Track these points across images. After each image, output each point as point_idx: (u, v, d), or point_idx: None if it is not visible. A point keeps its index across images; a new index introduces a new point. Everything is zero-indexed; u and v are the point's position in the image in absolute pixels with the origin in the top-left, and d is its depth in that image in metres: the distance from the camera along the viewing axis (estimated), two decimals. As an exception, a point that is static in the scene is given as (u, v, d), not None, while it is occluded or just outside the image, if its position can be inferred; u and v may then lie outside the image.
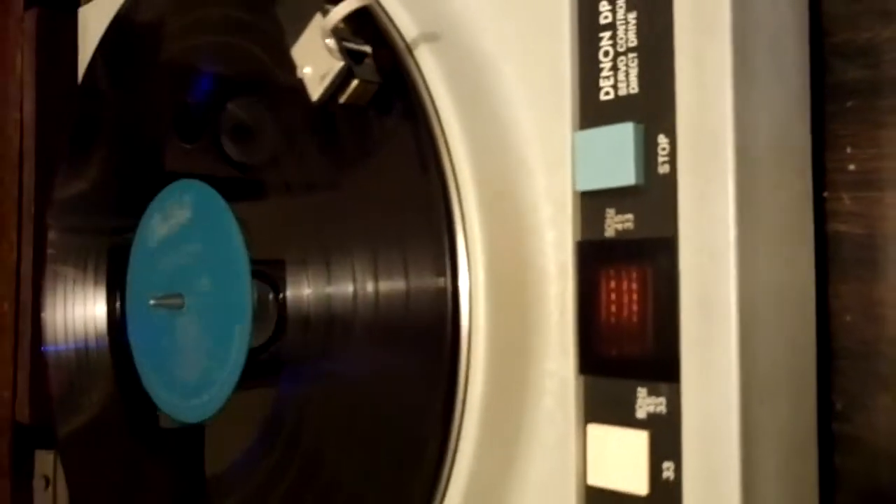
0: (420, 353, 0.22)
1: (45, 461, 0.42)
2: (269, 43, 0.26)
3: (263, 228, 0.27)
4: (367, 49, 0.22)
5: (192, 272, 0.29)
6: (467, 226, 0.22)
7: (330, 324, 0.24)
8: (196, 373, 0.29)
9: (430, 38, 0.23)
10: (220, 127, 0.28)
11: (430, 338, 0.22)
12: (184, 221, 0.30)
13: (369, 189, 0.24)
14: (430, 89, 0.23)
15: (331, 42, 0.21)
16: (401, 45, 0.23)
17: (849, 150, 0.23)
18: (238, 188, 0.28)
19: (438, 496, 0.22)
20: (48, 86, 0.49)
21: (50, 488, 0.40)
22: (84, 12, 0.42)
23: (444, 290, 0.22)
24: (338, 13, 0.20)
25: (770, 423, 0.20)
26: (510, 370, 0.22)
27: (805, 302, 0.22)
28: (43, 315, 0.38)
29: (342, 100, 0.22)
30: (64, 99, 0.49)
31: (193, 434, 0.29)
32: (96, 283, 0.35)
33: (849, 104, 0.23)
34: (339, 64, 0.22)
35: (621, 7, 0.22)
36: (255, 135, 0.28)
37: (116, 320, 0.34)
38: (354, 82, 0.22)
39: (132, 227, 0.33)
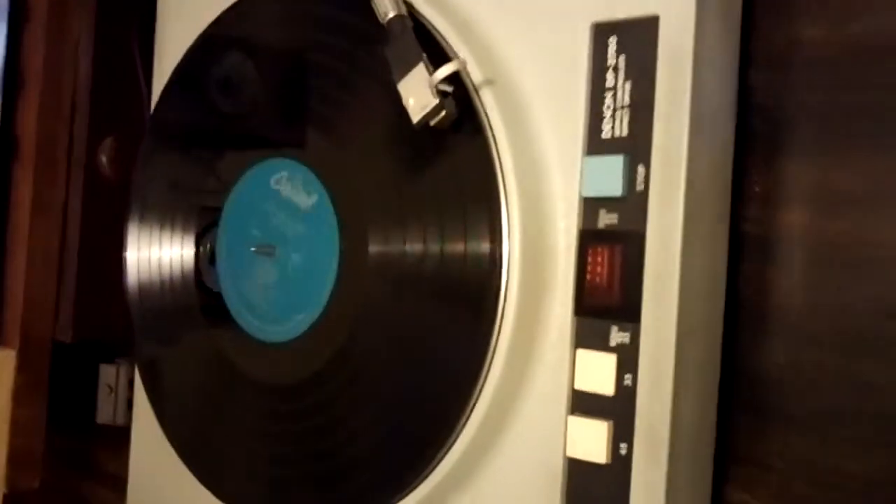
0: (471, 294, 0.36)
1: (108, 372, 0.54)
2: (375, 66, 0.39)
3: (351, 201, 0.40)
4: (450, 89, 0.36)
5: (285, 228, 0.42)
6: (510, 212, 0.35)
7: (402, 273, 0.38)
8: (280, 305, 0.42)
9: (490, 83, 0.36)
10: (325, 122, 0.41)
11: (480, 283, 0.36)
12: (281, 189, 0.43)
13: (442, 181, 0.37)
14: (490, 118, 0.36)
15: (432, 86, 0.35)
16: (471, 87, 0.36)
17: (755, 177, 0.37)
18: (333, 170, 0.41)
19: (474, 398, 0.36)
20: (105, 50, 0.60)
21: (112, 394, 0.52)
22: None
23: (492, 252, 0.35)
24: (443, 71, 0.34)
25: (692, 351, 0.34)
26: (531, 310, 0.36)
27: (720, 276, 0.36)
28: (125, 254, 0.50)
29: (432, 123, 0.36)
30: (118, 63, 0.60)
31: (270, 351, 0.43)
32: (184, 231, 0.47)
33: (756, 146, 0.37)
34: (435, 101, 0.35)
35: (620, 77, 0.35)
36: (352, 129, 0.41)
37: (203, 260, 0.46)
38: (443, 113, 0.35)
39: (220, 190, 0.45)
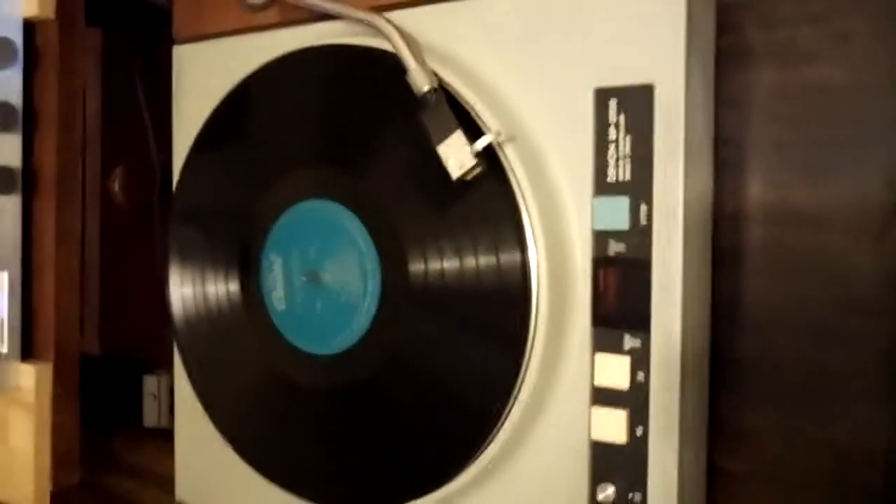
0: (507, 311, 0.40)
1: (151, 382, 0.55)
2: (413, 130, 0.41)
3: (389, 229, 0.43)
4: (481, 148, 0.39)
5: (329, 257, 0.45)
6: (537, 245, 0.39)
7: (443, 296, 0.41)
8: (328, 323, 0.45)
9: (512, 139, 0.40)
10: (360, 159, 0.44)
11: (514, 303, 0.39)
12: (318, 225, 0.45)
13: (475, 222, 0.40)
14: (514, 168, 0.40)
15: (471, 150, 0.38)
16: (496, 143, 0.39)
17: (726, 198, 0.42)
18: (371, 209, 0.44)
19: (514, 396, 0.40)
20: (111, 89, 0.60)
21: (156, 401, 0.53)
22: (180, 51, 0.53)
23: (524, 277, 0.39)
24: (482, 142, 0.37)
25: (691, 347, 0.39)
26: (557, 323, 0.40)
27: (707, 283, 0.41)
28: (169, 291, 0.51)
29: (468, 177, 0.39)
30: (123, 99, 0.60)
31: (320, 362, 0.45)
32: (228, 265, 0.49)
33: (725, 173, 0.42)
34: (474, 162, 0.38)
35: (621, 132, 0.39)
36: (391, 166, 0.43)
37: (249, 284, 0.48)
38: (477, 170, 0.39)
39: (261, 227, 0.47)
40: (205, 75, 0.52)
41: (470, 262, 0.41)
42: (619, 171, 0.39)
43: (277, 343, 0.47)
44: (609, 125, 0.39)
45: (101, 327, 0.59)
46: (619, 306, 0.39)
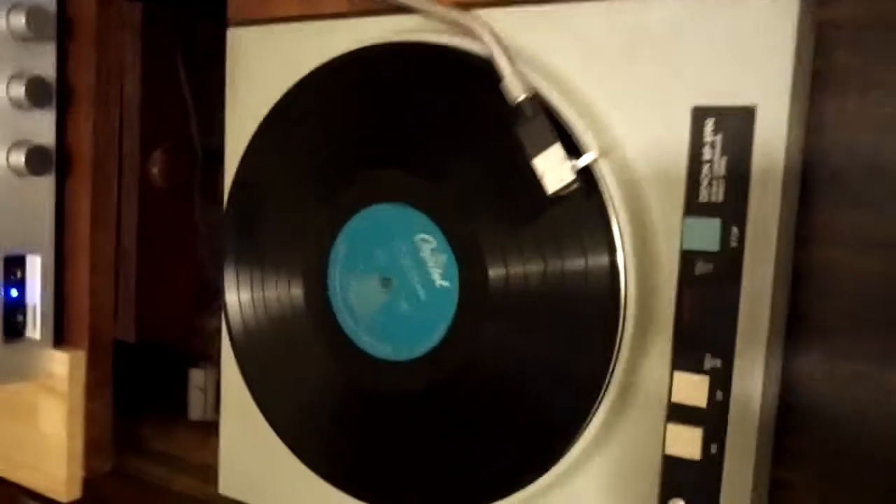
0: (596, 324, 0.40)
1: (197, 375, 0.54)
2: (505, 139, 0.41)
3: (469, 238, 0.42)
4: (584, 165, 0.38)
5: (401, 261, 0.44)
6: (626, 260, 0.39)
7: (528, 294, 0.41)
8: (402, 328, 0.44)
9: (605, 154, 0.39)
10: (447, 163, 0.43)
11: (603, 315, 0.39)
12: (391, 229, 0.44)
13: (563, 232, 0.40)
14: (607, 183, 0.39)
15: (572, 166, 0.37)
16: (593, 165, 0.39)
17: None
18: (445, 212, 0.43)
19: (596, 407, 0.40)
20: (151, 67, 0.58)
21: (203, 395, 0.52)
22: (235, 34, 0.51)
23: (614, 290, 0.39)
24: (586, 159, 0.37)
25: (771, 372, 0.39)
26: (639, 339, 0.40)
27: (785, 308, 0.41)
28: (226, 297, 0.50)
29: (563, 193, 0.38)
30: (164, 77, 0.58)
31: (392, 367, 0.45)
32: (292, 268, 0.48)
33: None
34: (573, 177, 0.38)
35: (717, 152, 0.39)
36: (467, 181, 0.42)
37: (314, 287, 0.47)
38: (575, 185, 0.38)
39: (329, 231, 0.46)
40: (264, 61, 0.50)
41: (557, 271, 0.40)
42: (712, 191, 0.39)
43: (345, 348, 0.46)
44: (704, 145, 0.39)
45: (137, 314, 0.58)
46: (703, 326, 0.40)
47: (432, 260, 0.43)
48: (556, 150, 0.38)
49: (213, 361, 0.56)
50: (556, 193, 0.38)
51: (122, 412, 0.63)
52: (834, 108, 0.41)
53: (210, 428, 0.60)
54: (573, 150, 0.39)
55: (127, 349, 0.59)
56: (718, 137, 0.39)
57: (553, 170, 0.38)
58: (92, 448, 0.58)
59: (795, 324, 0.43)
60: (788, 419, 0.43)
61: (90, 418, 0.58)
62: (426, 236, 0.43)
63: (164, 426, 0.62)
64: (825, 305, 0.42)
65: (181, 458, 0.62)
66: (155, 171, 0.58)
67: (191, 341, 0.60)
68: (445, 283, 0.43)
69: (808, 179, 0.42)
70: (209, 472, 0.61)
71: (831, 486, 0.42)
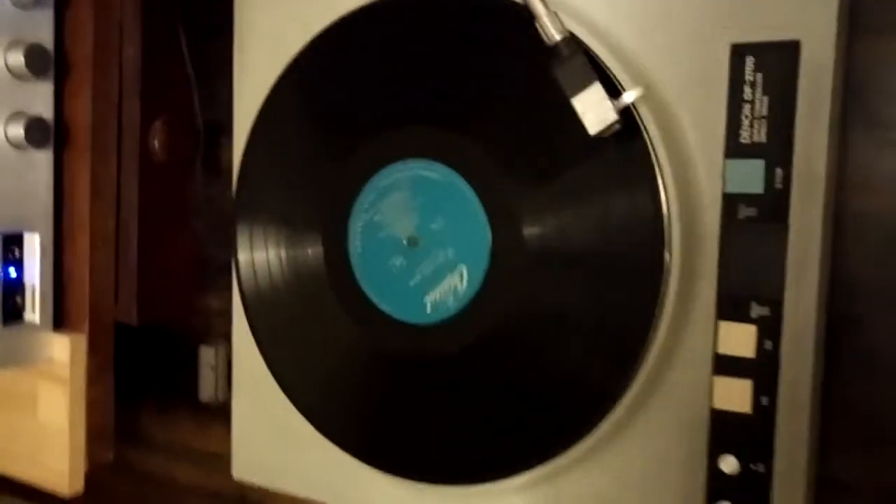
0: (639, 274, 0.38)
1: (207, 353, 0.51)
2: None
3: (501, 190, 0.41)
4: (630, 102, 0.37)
5: (427, 219, 0.42)
6: (669, 204, 0.38)
7: (564, 249, 0.39)
8: (428, 289, 0.42)
9: (644, 97, 0.38)
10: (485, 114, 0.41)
11: (647, 263, 0.38)
12: (419, 186, 0.42)
13: (603, 176, 0.38)
14: (647, 126, 0.38)
15: (613, 104, 0.36)
16: (635, 101, 0.37)
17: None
18: (474, 164, 0.41)
19: (640, 362, 0.38)
20: (151, 34, 0.56)
21: (214, 374, 0.50)
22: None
23: (657, 234, 0.37)
24: (630, 96, 0.35)
25: (821, 318, 0.38)
26: (684, 288, 0.38)
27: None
28: (238, 256, 0.47)
29: (605, 134, 0.37)
30: (164, 46, 0.56)
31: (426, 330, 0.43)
32: (309, 227, 0.45)
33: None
34: (616, 117, 0.36)
35: (758, 91, 0.38)
36: (496, 128, 0.41)
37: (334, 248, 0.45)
38: (617, 126, 0.37)
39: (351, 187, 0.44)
40: (273, 21, 0.48)
41: (597, 219, 0.38)
42: (754, 132, 0.38)
43: (368, 311, 0.44)
44: (744, 83, 0.38)
45: (139, 293, 0.55)
46: (748, 273, 0.38)
47: (462, 216, 0.42)
48: (597, 89, 0.36)
49: (220, 340, 0.54)
50: (598, 134, 0.37)
51: (119, 400, 0.60)
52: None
53: (213, 414, 0.58)
54: (611, 91, 0.37)
55: (121, 332, 0.56)
56: (759, 75, 0.37)
57: (594, 110, 0.36)
58: (94, 437, 0.55)
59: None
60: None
61: (91, 405, 0.55)
62: (457, 192, 0.41)
63: (164, 414, 0.60)
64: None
65: (183, 447, 0.59)
66: (155, 143, 0.55)
67: (190, 322, 0.58)
68: (476, 241, 0.41)
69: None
70: (213, 460, 0.58)
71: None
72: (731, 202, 0.38)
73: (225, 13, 0.56)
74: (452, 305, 0.42)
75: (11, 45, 0.51)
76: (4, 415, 0.57)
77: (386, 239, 0.44)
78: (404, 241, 0.43)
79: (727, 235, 0.38)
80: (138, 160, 0.55)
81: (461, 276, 0.41)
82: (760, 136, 0.37)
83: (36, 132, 0.52)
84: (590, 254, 0.39)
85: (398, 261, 0.43)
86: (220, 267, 0.57)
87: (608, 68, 0.38)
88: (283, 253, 0.46)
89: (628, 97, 0.35)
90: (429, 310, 0.42)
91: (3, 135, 0.52)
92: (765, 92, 0.37)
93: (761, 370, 0.38)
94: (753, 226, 0.38)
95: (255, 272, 0.47)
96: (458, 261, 0.42)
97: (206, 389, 0.51)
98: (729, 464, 0.39)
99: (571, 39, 0.37)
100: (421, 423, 0.43)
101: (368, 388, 0.45)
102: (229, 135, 0.56)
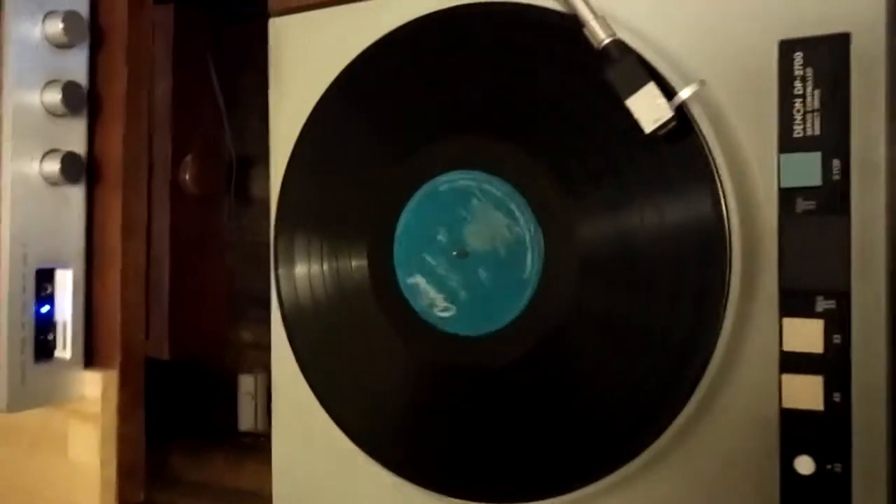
0: (701, 273, 0.37)
1: (246, 382, 0.50)
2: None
3: (553, 196, 0.40)
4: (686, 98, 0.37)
5: (476, 230, 0.42)
6: (727, 202, 0.37)
7: (620, 245, 0.39)
8: (479, 301, 0.42)
9: (697, 98, 0.38)
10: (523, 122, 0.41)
11: (709, 262, 0.37)
12: (463, 199, 0.42)
13: (666, 172, 0.38)
14: (699, 124, 0.38)
15: (669, 103, 0.36)
16: (687, 100, 0.37)
17: None
18: (522, 171, 0.41)
19: (705, 366, 0.37)
20: (183, 71, 0.56)
21: (254, 402, 0.49)
22: (277, 24, 0.50)
23: (719, 233, 0.37)
24: (687, 92, 0.35)
25: (888, 309, 0.37)
26: (746, 285, 0.38)
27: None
28: (278, 271, 0.47)
29: (660, 132, 0.37)
30: (194, 82, 0.56)
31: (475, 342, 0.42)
32: (353, 239, 0.45)
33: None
34: (671, 114, 0.36)
35: (809, 86, 0.38)
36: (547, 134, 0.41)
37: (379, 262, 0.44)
38: (672, 124, 0.37)
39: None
40: (309, 48, 0.48)
41: (656, 223, 0.38)
42: (807, 126, 0.38)
43: (416, 325, 0.43)
44: (795, 78, 0.38)
45: (171, 328, 0.54)
46: (810, 267, 0.38)
47: (513, 225, 0.41)
48: (651, 89, 0.36)
49: (258, 369, 0.53)
50: (653, 132, 0.37)
51: (149, 437, 0.58)
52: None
53: (246, 450, 0.56)
54: (663, 90, 0.38)
55: (151, 367, 0.55)
56: (809, 70, 0.38)
57: (649, 109, 0.37)
58: (125, 475, 0.54)
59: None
60: None
61: (123, 442, 0.54)
62: (507, 201, 0.41)
63: (195, 451, 0.58)
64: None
65: (216, 485, 0.57)
66: (186, 176, 0.55)
67: (222, 356, 0.57)
68: (528, 249, 0.41)
69: None
70: (247, 498, 0.57)
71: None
72: (788, 196, 0.38)
73: (253, 46, 0.56)
74: (505, 316, 0.41)
75: (48, 84, 0.51)
76: (37, 457, 0.55)
77: (434, 251, 0.43)
78: (453, 253, 0.42)
79: (786, 230, 0.38)
80: (169, 194, 0.55)
81: (513, 285, 0.41)
82: (814, 129, 0.37)
83: (71, 168, 0.52)
84: (648, 257, 0.38)
85: (447, 274, 0.42)
86: (253, 299, 0.56)
87: (657, 68, 0.38)
88: (325, 268, 0.46)
89: (685, 93, 0.36)
90: (480, 321, 0.42)
91: (38, 171, 0.51)
92: (816, 86, 0.37)
93: (832, 365, 0.37)
94: (813, 218, 0.37)
95: (295, 289, 0.46)
96: (510, 270, 0.41)
97: (246, 419, 0.49)
98: (804, 465, 0.37)
99: (620, 42, 0.38)
100: (481, 440, 0.42)
101: (419, 406, 0.43)
102: (259, 166, 0.56)
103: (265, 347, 0.52)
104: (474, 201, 0.42)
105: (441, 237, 0.43)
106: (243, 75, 0.56)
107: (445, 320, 0.43)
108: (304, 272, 0.46)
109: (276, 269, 0.46)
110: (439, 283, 0.43)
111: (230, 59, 0.57)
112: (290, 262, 0.46)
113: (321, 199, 0.46)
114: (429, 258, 0.43)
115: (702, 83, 0.36)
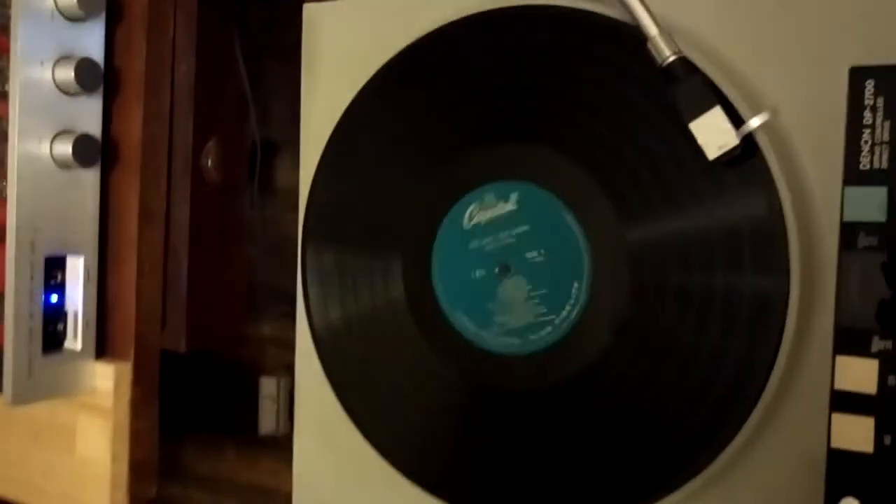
0: (760, 304, 0.36)
1: (269, 385, 0.49)
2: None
3: (605, 215, 0.39)
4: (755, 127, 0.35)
5: (522, 245, 0.41)
6: (789, 233, 0.36)
7: (674, 271, 0.38)
8: (523, 319, 0.41)
9: (764, 128, 0.37)
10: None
11: (768, 294, 0.36)
12: (508, 211, 0.41)
13: (723, 200, 0.37)
14: (764, 153, 0.36)
15: (737, 130, 0.34)
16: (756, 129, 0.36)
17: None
18: (573, 185, 0.40)
19: (757, 399, 0.37)
20: (206, 52, 0.54)
21: (276, 406, 0.48)
22: (311, 10, 0.48)
23: (778, 263, 0.36)
24: (756, 121, 0.34)
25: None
26: (803, 317, 0.37)
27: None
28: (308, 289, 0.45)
29: (723, 159, 0.36)
30: (218, 63, 0.54)
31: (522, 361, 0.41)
32: (387, 252, 0.44)
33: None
34: (737, 142, 0.35)
35: (879, 116, 0.37)
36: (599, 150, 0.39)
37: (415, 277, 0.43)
38: (738, 151, 0.35)
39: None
40: (343, 40, 0.46)
41: (715, 251, 0.37)
42: (874, 158, 0.36)
43: (453, 340, 0.42)
44: (864, 108, 0.36)
45: (188, 320, 0.53)
46: (869, 305, 0.37)
47: (560, 243, 0.40)
48: (717, 113, 0.35)
49: (280, 370, 0.52)
50: (716, 160, 0.35)
51: (163, 431, 0.57)
52: None
53: (262, 446, 0.56)
54: (728, 113, 0.36)
55: (164, 360, 0.54)
56: (881, 99, 0.36)
57: (713, 134, 0.35)
58: (137, 472, 0.53)
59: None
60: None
61: (135, 438, 0.52)
62: (555, 217, 0.40)
63: (210, 446, 0.57)
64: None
65: (230, 480, 0.56)
66: (208, 163, 0.53)
67: (241, 350, 0.55)
68: (576, 269, 0.40)
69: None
70: (262, 495, 0.56)
71: None
72: (850, 231, 0.37)
73: (280, 28, 0.54)
74: (552, 335, 0.40)
75: (61, 60, 0.49)
76: (41, 450, 0.54)
77: (476, 266, 0.42)
78: (496, 269, 0.41)
79: (846, 265, 0.37)
80: (190, 181, 0.53)
81: (559, 302, 0.40)
82: (882, 162, 0.36)
83: (84, 150, 0.50)
84: (703, 285, 0.37)
85: (489, 289, 0.41)
86: (274, 291, 0.55)
87: (722, 89, 0.37)
88: (357, 280, 0.44)
89: (755, 122, 0.34)
90: (523, 341, 0.41)
91: (48, 153, 0.49)
92: (886, 116, 0.36)
93: (884, 407, 0.36)
94: (875, 255, 0.36)
95: (325, 300, 0.45)
96: (556, 286, 0.40)
97: (267, 423, 0.48)
98: (852, 508, 0.37)
99: (687, 60, 0.36)
100: (526, 464, 0.41)
101: (458, 425, 0.43)
102: (284, 154, 0.54)
103: (285, 343, 0.51)
104: (522, 215, 0.41)
105: (484, 251, 0.42)
106: (268, 58, 0.54)
107: (485, 338, 0.42)
108: (333, 284, 0.44)
109: (305, 282, 0.45)
110: (480, 300, 0.42)
111: (255, 40, 0.55)
112: (320, 275, 0.45)
113: (354, 206, 0.45)
114: (470, 272, 0.42)
115: (772, 112, 0.35)
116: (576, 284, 0.39)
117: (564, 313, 0.39)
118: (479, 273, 0.42)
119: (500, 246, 0.41)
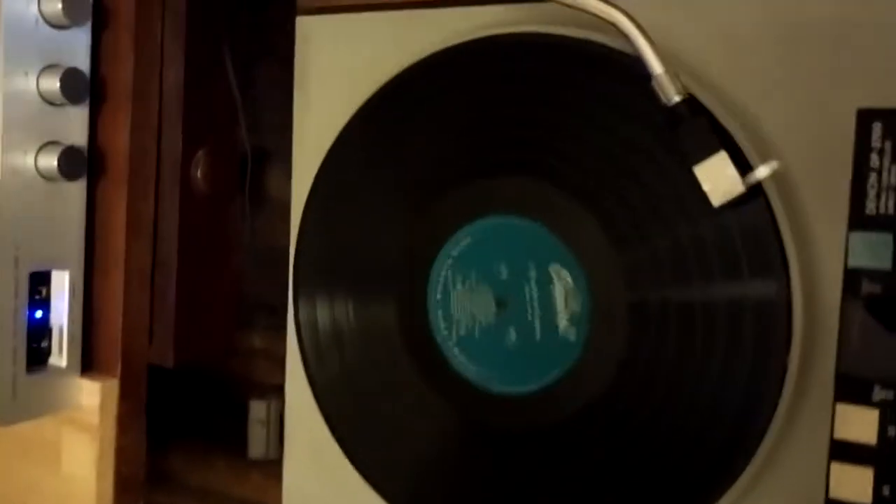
0: (761, 346, 0.36)
1: (258, 408, 0.49)
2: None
3: (604, 253, 0.38)
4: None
5: (519, 283, 0.40)
6: (791, 277, 0.36)
7: (675, 321, 0.37)
8: (524, 358, 0.40)
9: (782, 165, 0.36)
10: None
11: (770, 338, 0.36)
12: (510, 244, 0.40)
13: (725, 246, 0.36)
14: (769, 197, 0.36)
15: (743, 178, 0.34)
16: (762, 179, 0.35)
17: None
18: (571, 222, 0.39)
19: (756, 447, 0.36)
20: (195, 60, 0.53)
21: (265, 430, 0.47)
22: (304, 23, 0.47)
23: (776, 311, 0.35)
24: (764, 172, 0.33)
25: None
26: (803, 364, 0.36)
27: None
28: (297, 316, 0.44)
29: (727, 205, 0.35)
30: (207, 71, 0.53)
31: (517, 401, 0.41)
32: (382, 282, 0.43)
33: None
34: (742, 190, 0.34)
35: (886, 160, 0.36)
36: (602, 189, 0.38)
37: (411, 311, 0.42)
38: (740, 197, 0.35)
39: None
40: (341, 53, 0.45)
41: (715, 296, 0.36)
42: (881, 203, 0.36)
43: (447, 375, 0.42)
44: (871, 151, 0.36)
45: (176, 335, 0.52)
46: (871, 353, 0.36)
47: (556, 280, 0.39)
48: (721, 158, 0.34)
49: (256, 385, 0.51)
50: (721, 206, 0.35)
51: (150, 445, 0.57)
52: None
53: (252, 462, 0.55)
54: (733, 156, 0.35)
55: (152, 373, 0.53)
56: (888, 143, 0.35)
57: (718, 179, 0.34)
58: (122, 488, 0.53)
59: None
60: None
61: (121, 455, 0.52)
62: (552, 253, 0.39)
63: (198, 461, 0.57)
64: None
65: (219, 494, 0.56)
66: (198, 173, 0.53)
67: (230, 364, 0.55)
68: (571, 325, 0.39)
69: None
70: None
71: None
72: (853, 277, 0.36)
73: (270, 36, 0.53)
74: (551, 374, 0.40)
75: (46, 70, 0.48)
76: (25, 467, 0.54)
77: (468, 303, 0.41)
78: (493, 303, 0.41)
79: (848, 312, 0.36)
80: (179, 191, 0.52)
81: (557, 342, 0.39)
82: (888, 207, 0.36)
83: (70, 163, 0.49)
84: (704, 327, 0.37)
85: (485, 323, 0.41)
86: (263, 305, 0.54)
87: (730, 133, 0.36)
88: (349, 309, 0.44)
89: (762, 172, 0.33)
90: (525, 379, 0.40)
91: (33, 165, 0.49)
92: (894, 160, 0.35)
93: (884, 458, 0.36)
94: (878, 303, 0.36)
95: (316, 330, 0.44)
96: (545, 340, 0.39)
97: (257, 447, 0.48)
98: (846, 559, 0.37)
99: (693, 101, 0.35)
100: (509, 500, 0.41)
101: (451, 461, 0.42)
102: (274, 163, 0.53)
103: (275, 357, 0.50)
104: (515, 251, 0.40)
105: (480, 284, 0.41)
106: (259, 66, 0.53)
107: (483, 376, 0.41)
108: (325, 313, 0.44)
109: (297, 313, 0.44)
110: (475, 336, 0.41)
111: (245, 48, 0.54)
112: (311, 308, 0.44)
113: (344, 235, 0.44)
114: (466, 305, 0.41)
115: (780, 164, 0.34)
116: (574, 324, 0.39)
117: (561, 354, 0.39)
118: (474, 306, 0.41)
119: (496, 283, 0.40)
